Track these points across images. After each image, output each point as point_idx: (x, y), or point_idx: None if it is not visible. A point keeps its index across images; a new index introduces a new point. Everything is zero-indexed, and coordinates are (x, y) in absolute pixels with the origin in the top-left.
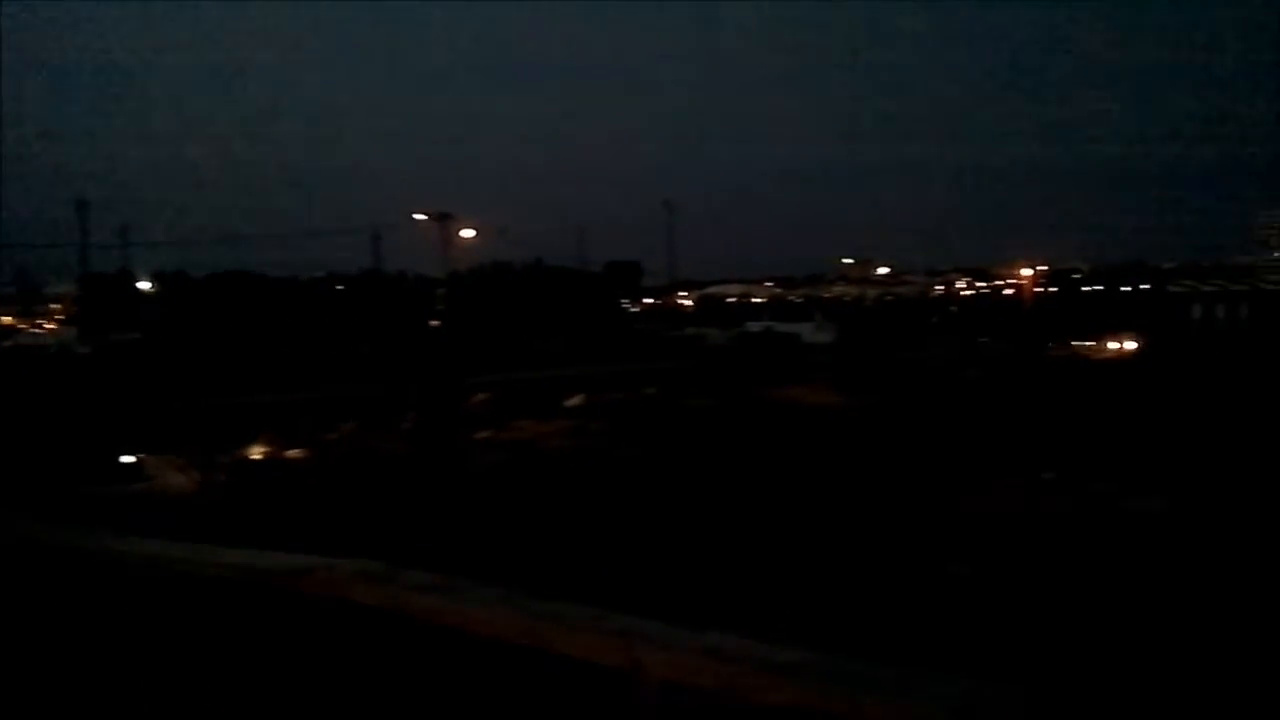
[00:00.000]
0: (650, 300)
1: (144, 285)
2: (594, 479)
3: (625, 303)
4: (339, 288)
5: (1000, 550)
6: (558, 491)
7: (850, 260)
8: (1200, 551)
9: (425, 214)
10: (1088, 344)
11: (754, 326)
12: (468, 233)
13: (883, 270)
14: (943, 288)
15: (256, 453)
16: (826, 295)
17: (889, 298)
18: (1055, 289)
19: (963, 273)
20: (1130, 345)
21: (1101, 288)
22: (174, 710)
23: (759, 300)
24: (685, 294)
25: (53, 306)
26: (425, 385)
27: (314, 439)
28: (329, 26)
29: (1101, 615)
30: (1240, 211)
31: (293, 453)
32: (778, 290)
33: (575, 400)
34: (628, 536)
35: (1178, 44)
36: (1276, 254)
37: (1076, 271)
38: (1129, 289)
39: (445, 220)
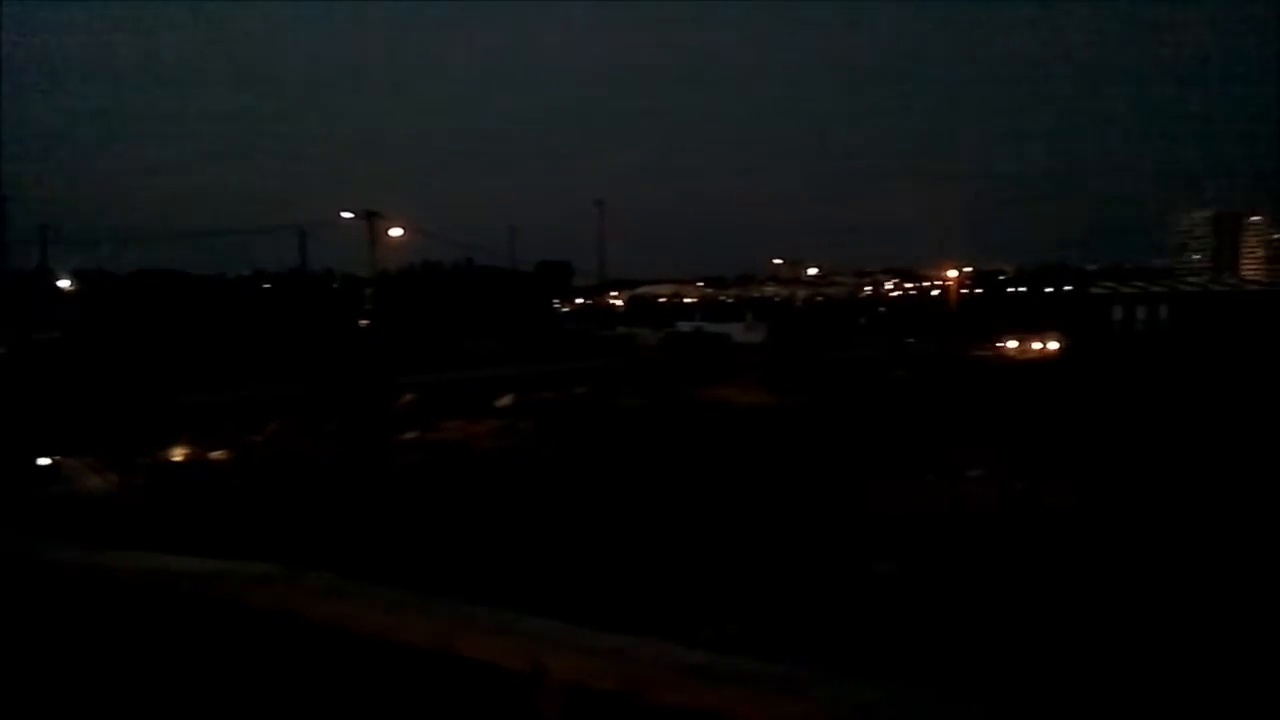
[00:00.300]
0: (581, 300)
1: (64, 284)
2: (519, 479)
3: (556, 303)
4: (266, 286)
5: (925, 548)
6: (481, 492)
7: (780, 261)
8: (1116, 548)
9: (352, 213)
10: (1012, 344)
11: (685, 326)
12: (396, 232)
13: (812, 271)
14: (871, 288)
15: (178, 454)
16: (757, 295)
17: (819, 298)
18: (981, 290)
19: (891, 274)
20: (1053, 345)
21: (1025, 289)
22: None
23: (690, 300)
24: (616, 294)
25: None
26: (352, 385)
27: (238, 440)
28: (259, 25)
29: (1021, 613)
30: (1160, 216)
31: (216, 454)
32: (709, 290)
33: (505, 400)
34: (550, 538)
35: (1104, 48)
36: (1194, 257)
37: (1001, 273)
38: (1052, 290)
39: (373, 219)
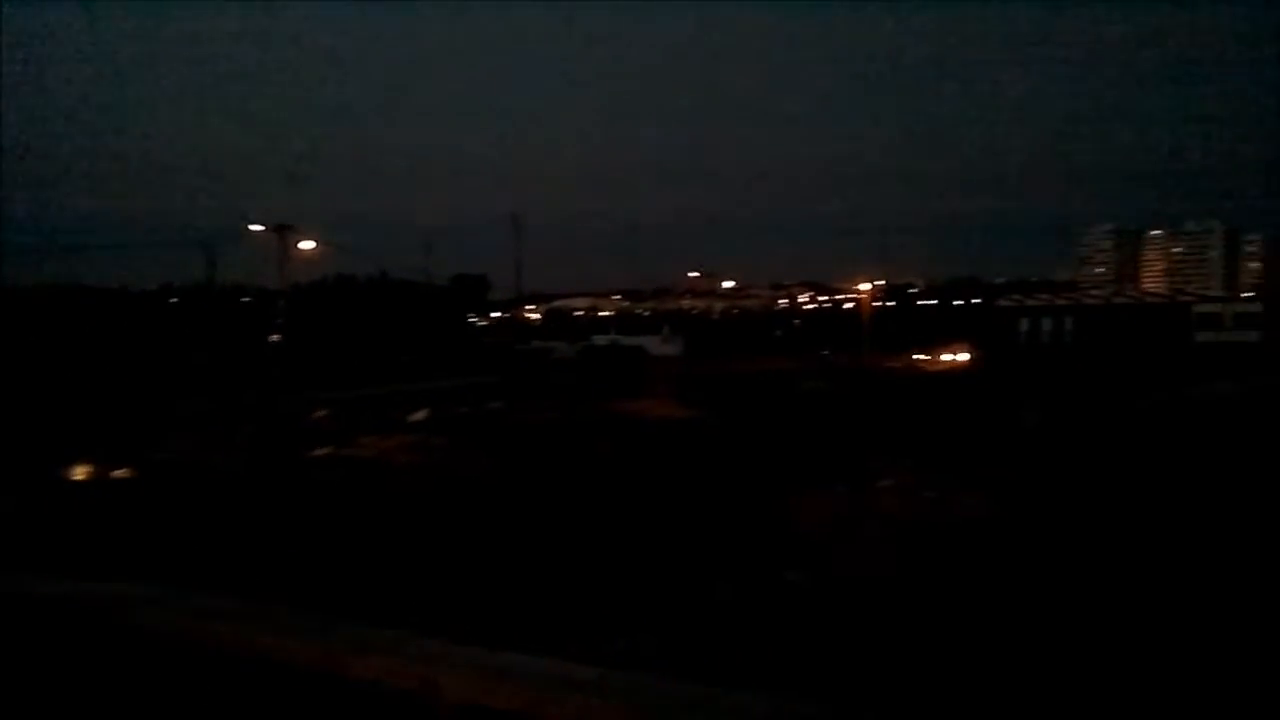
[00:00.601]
0: (498, 314)
1: None
2: (428, 495)
3: (473, 317)
4: (173, 301)
5: (836, 557)
6: (388, 509)
7: (697, 274)
8: (1026, 556)
9: (262, 225)
10: (923, 356)
11: (601, 339)
12: (307, 244)
13: (729, 284)
14: (786, 301)
15: (79, 473)
16: (674, 308)
17: (735, 311)
18: (893, 303)
19: (806, 286)
20: (963, 357)
21: (936, 302)
22: None
23: (607, 313)
24: (533, 307)
25: None
26: (262, 400)
27: (141, 457)
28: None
29: (931, 620)
30: (1065, 229)
31: (118, 473)
32: (626, 303)
33: (419, 415)
34: (453, 553)
35: (1017, 62)
36: (1098, 270)
37: (913, 286)
38: (962, 303)
39: (283, 231)
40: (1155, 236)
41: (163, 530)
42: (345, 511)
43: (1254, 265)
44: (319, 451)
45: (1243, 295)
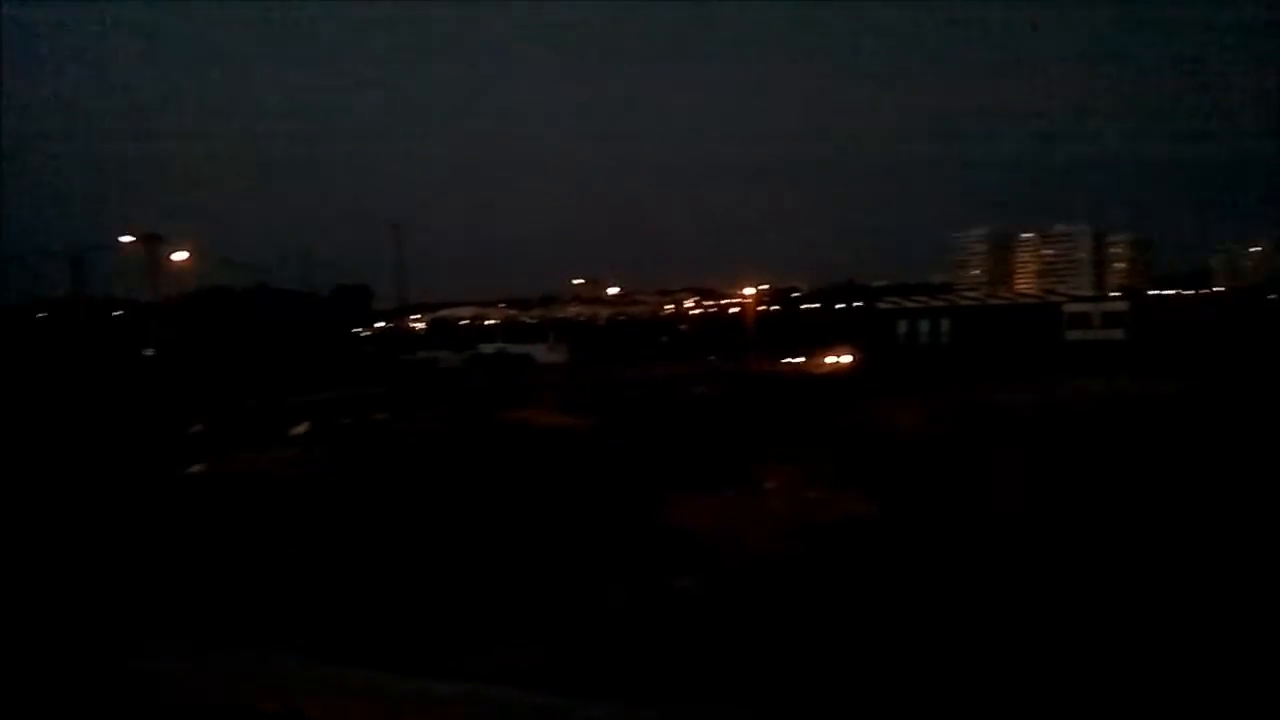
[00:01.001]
0: (381, 324)
1: None
2: (309, 509)
3: (356, 327)
4: (41, 315)
5: (725, 560)
6: (266, 525)
7: (582, 281)
8: (905, 554)
9: (133, 236)
10: (805, 360)
11: (487, 348)
12: (180, 255)
13: (614, 290)
14: (673, 306)
15: None
16: (561, 316)
17: (621, 317)
18: (777, 307)
19: (692, 292)
20: (846, 359)
21: (819, 305)
22: None
23: (493, 322)
24: (418, 316)
25: None
26: (133, 415)
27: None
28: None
29: (816, 621)
30: (941, 232)
31: None
32: (512, 311)
33: (300, 428)
34: (333, 569)
35: (889, 71)
36: (973, 272)
37: (796, 290)
38: (844, 306)
39: (153, 242)
40: (1027, 239)
41: (24, 549)
42: (220, 528)
43: (1120, 266)
44: (195, 468)
45: (1110, 295)
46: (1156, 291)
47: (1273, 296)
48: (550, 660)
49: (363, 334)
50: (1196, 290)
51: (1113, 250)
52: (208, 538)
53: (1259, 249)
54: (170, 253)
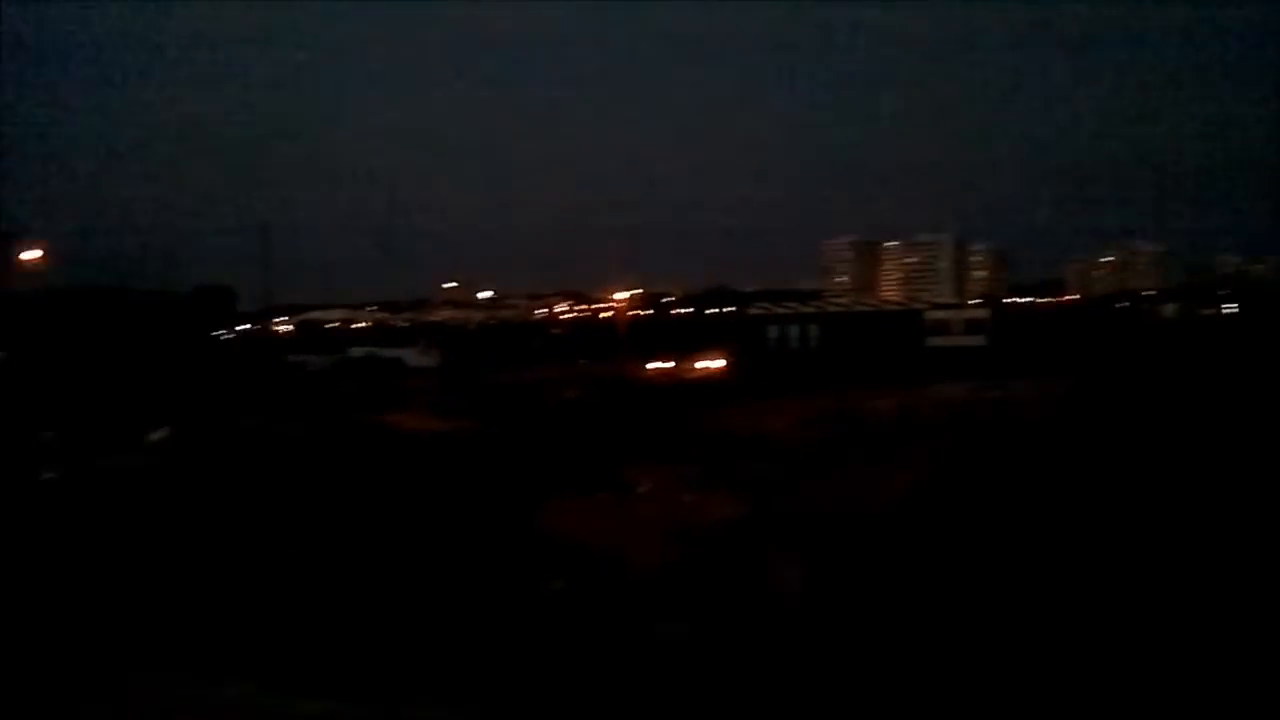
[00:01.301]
0: (246, 326)
1: None
2: (152, 517)
3: (218, 329)
4: None
5: (600, 563)
6: (109, 535)
7: (454, 284)
8: (774, 552)
9: None
10: (677, 364)
11: (357, 351)
12: (32, 254)
13: (486, 294)
14: (546, 310)
15: None
16: (432, 319)
17: (493, 321)
18: (650, 312)
19: (565, 296)
20: (717, 364)
21: (691, 310)
22: None
23: (362, 325)
24: (284, 319)
25: None
26: None
27: None
28: None
29: (692, 621)
30: (810, 239)
31: None
32: (382, 315)
33: (159, 434)
34: (185, 581)
35: (764, 80)
36: (840, 279)
37: (668, 295)
38: (715, 311)
39: (4, 240)
40: (891, 247)
41: None
42: (74, 539)
43: (980, 274)
44: (46, 475)
45: (970, 302)
46: (1014, 299)
47: (1122, 305)
48: (418, 667)
49: (224, 337)
50: (1052, 299)
51: (973, 259)
52: (59, 547)
53: (1110, 259)
54: (21, 250)
